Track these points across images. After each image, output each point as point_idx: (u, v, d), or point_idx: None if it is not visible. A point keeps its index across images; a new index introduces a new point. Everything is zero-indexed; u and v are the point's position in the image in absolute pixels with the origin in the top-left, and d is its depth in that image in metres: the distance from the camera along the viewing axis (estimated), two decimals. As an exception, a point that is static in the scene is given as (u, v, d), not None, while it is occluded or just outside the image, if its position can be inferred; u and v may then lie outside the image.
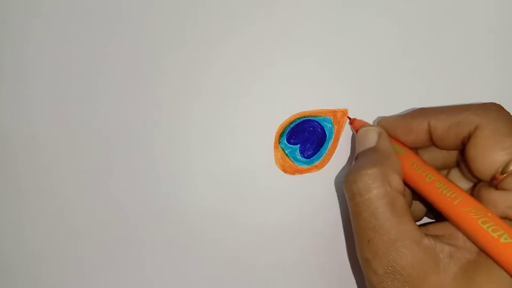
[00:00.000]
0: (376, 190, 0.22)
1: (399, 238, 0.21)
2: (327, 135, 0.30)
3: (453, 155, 0.26)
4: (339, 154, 0.30)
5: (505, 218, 0.21)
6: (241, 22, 0.30)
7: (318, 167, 0.30)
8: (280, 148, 0.30)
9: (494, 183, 0.21)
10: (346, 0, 0.30)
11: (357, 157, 0.25)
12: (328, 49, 0.30)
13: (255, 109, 0.30)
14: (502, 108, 0.23)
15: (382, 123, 0.26)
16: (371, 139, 0.25)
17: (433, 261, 0.21)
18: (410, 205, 0.26)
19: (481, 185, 0.22)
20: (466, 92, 0.30)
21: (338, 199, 0.30)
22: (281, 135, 0.30)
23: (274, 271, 0.30)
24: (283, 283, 0.30)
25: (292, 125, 0.30)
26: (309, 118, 0.30)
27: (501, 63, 0.30)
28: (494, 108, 0.23)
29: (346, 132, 0.30)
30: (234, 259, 0.30)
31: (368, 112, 0.30)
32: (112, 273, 0.30)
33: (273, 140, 0.30)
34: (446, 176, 0.26)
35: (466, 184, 0.25)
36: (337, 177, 0.30)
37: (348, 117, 0.29)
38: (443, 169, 0.26)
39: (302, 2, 0.30)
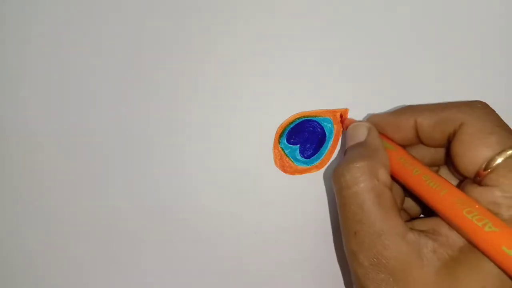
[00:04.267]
0: (364, 183, 0.23)
1: (384, 231, 0.22)
2: (327, 135, 0.30)
3: (441, 152, 0.26)
4: (339, 155, 0.30)
5: None
6: (240, 22, 0.30)
7: (317, 167, 0.30)
8: (279, 148, 0.30)
9: (478, 179, 0.22)
10: (347, 1, 0.30)
11: (346, 151, 0.26)
12: (329, 48, 0.30)
13: (255, 109, 0.30)
14: (488, 106, 0.23)
15: (372, 119, 0.27)
16: (360, 134, 0.26)
17: (416, 255, 0.21)
18: (399, 201, 0.26)
19: (466, 182, 0.23)
20: (466, 91, 0.30)
21: (333, 198, 0.30)
22: (280, 135, 0.30)
23: (274, 270, 0.30)
24: (282, 282, 0.30)
25: (292, 125, 0.30)
26: (309, 118, 0.30)
27: (501, 64, 0.30)
28: (479, 106, 0.23)
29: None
30: (234, 259, 0.30)
31: (368, 112, 0.30)
32: (110, 274, 0.30)
33: (273, 140, 0.30)
34: (438, 172, 0.26)
35: (454, 182, 0.25)
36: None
37: (340, 115, 0.29)
38: (432, 166, 0.27)
39: (303, 2, 0.30)
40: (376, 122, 0.26)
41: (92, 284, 0.30)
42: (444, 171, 0.26)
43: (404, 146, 0.26)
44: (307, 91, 0.30)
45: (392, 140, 0.26)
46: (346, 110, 0.30)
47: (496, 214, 0.20)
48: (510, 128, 0.22)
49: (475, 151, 0.22)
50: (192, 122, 0.30)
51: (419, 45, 0.30)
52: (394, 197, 0.23)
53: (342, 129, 0.30)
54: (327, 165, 0.30)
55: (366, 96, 0.30)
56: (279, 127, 0.30)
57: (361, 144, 0.25)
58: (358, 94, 0.30)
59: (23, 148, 0.30)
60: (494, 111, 0.23)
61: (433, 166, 0.27)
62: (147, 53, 0.30)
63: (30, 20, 0.30)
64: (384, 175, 0.23)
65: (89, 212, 0.30)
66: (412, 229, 0.22)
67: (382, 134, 0.26)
